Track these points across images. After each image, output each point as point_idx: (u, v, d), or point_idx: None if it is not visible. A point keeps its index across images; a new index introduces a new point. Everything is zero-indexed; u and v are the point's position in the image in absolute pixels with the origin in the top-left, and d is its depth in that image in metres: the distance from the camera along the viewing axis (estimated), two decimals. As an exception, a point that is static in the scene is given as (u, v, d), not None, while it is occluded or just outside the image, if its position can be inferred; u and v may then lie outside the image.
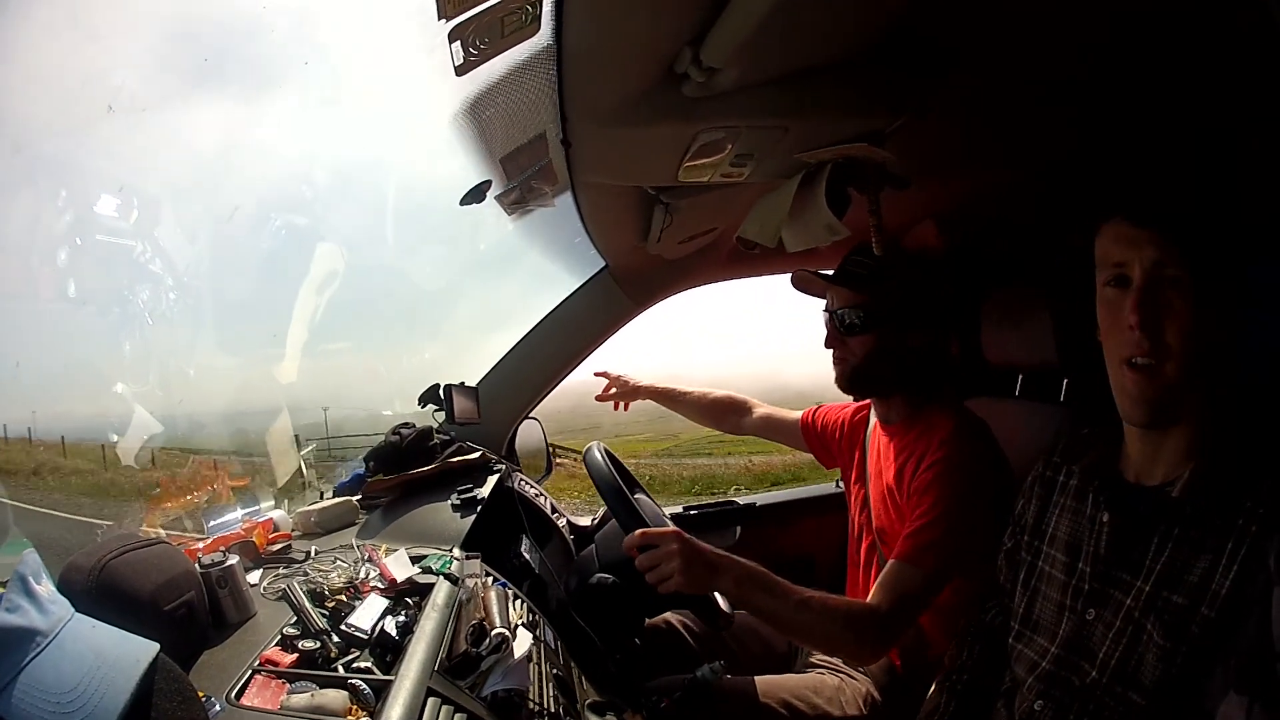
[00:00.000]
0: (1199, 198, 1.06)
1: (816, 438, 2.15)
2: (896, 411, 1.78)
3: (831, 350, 1.79)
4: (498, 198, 1.79)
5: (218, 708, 1.02)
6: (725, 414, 2.36)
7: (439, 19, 1.00)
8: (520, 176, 1.68)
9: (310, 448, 2.41)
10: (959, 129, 1.57)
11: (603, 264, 2.60)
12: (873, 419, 1.92)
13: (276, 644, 1.22)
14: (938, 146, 1.63)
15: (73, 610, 0.90)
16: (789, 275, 1.89)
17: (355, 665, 1.19)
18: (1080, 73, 1.35)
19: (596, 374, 2.29)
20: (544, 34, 1.11)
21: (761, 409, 2.33)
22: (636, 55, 1.19)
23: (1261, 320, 1.05)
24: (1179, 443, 1.07)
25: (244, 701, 1.05)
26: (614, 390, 2.45)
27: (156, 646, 0.91)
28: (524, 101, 1.36)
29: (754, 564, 1.51)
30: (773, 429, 2.29)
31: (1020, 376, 2.15)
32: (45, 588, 0.87)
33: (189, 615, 1.19)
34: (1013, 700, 1.25)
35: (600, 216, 2.06)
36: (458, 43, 1.07)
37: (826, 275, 1.81)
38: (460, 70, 1.15)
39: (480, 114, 1.44)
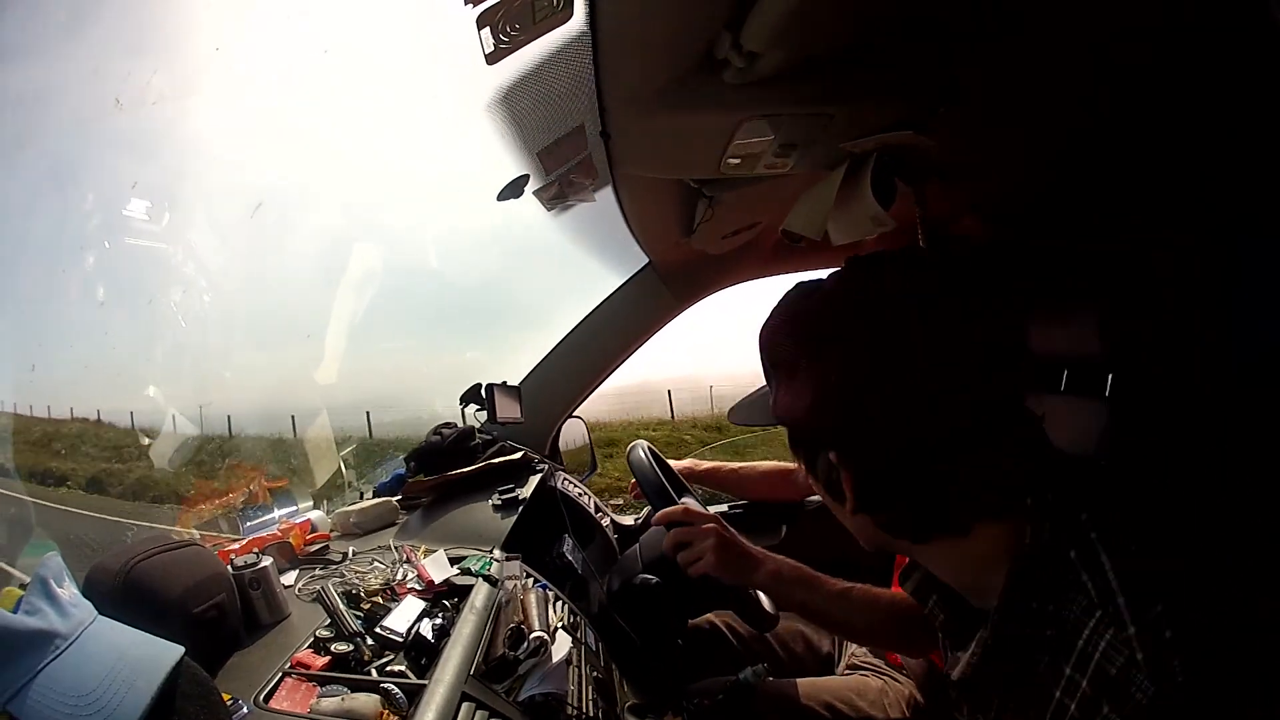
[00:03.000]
0: None
1: None
2: None
3: None
4: (536, 192, 1.79)
5: (245, 710, 1.04)
6: (780, 481, 2.32)
7: (465, 3, 1.00)
8: (559, 170, 1.68)
9: (350, 448, 2.44)
10: (1004, 115, 1.52)
11: (645, 260, 2.59)
12: None
13: (309, 646, 1.24)
14: (981, 134, 1.59)
15: (96, 613, 0.92)
16: (819, 270, 1.77)
17: (389, 669, 1.19)
18: (1133, 56, 1.28)
19: (676, 466, 2.20)
20: (578, 19, 1.10)
21: None
22: (674, 40, 1.18)
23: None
24: None
25: (273, 704, 1.07)
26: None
27: (181, 650, 0.93)
28: (560, 91, 1.35)
29: (793, 560, 1.49)
30: None
31: (1065, 372, 2.04)
32: (67, 590, 0.90)
33: (219, 618, 1.21)
34: None
35: (642, 211, 2.04)
36: (487, 29, 1.06)
37: None
38: (491, 58, 1.14)
39: (515, 105, 1.43)
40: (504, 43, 1.11)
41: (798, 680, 1.69)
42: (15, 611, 0.83)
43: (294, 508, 1.96)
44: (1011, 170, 1.81)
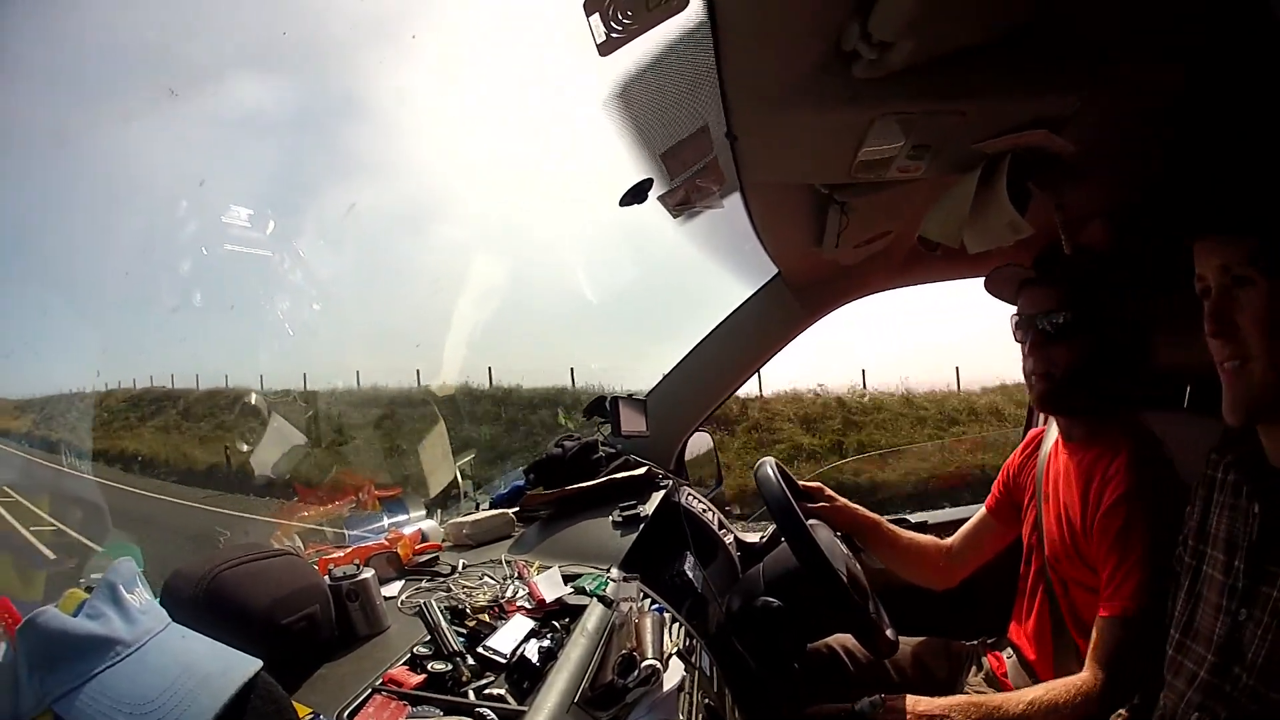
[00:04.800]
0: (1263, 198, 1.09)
1: (1010, 507, 1.99)
2: (1079, 428, 1.70)
3: (1029, 362, 1.71)
4: (661, 198, 1.75)
5: None
6: (926, 553, 2.13)
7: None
8: (683, 175, 1.65)
9: (468, 457, 2.44)
10: (1134, 114, 1.44)
11: (774, 271, 2.55)
12: (1050, 436, 1.85)
13: (404, 663, 1.19)
14: (1111, 135, 1.50)
15: (168, 621, 0.89)
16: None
17: (488, 692, 1.13)
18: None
19: (805, 487, 2.12)
20: (695, 9, 1.07)
21: (957, 536, 2.14)
22: (799, 31, 1.15)
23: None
24: None
25: None
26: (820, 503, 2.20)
27: (258, 664, 0.89)
28: (681, 88, 1.33)
29: (969, 698, 1.50)
30: (976, 537, 2.08)
31: (1188, 388, 2.07)
32: (138, 596, 0.88)
33: (309, 629, 1.19)
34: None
35: (771, 219, 2.01)
36: (596, 16, 1.05)
37: (1027, 277, 1.73)
38: (603, 49, 1.12)
39: (634, 103, 1.42)
40: (616, 32, 1.09)
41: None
42: (76, 614, 0.81)
43: (405, 516, 1.96)
44: (1143, 175, 1.75)
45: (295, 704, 1.01)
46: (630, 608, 1.45)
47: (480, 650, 1.23)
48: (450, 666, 1.17)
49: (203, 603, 1.05)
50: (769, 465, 1.80)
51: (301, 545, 1.67)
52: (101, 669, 0.77)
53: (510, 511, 2.06)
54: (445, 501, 2.29)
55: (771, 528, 2.41)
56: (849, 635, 1.88)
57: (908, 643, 1.85)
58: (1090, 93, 1.30)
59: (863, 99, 1.26)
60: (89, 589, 0.85)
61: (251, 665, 0.88)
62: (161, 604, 1.05)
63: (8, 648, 0.81)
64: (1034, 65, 1.26)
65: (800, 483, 2.06)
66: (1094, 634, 1.48)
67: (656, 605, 1.55)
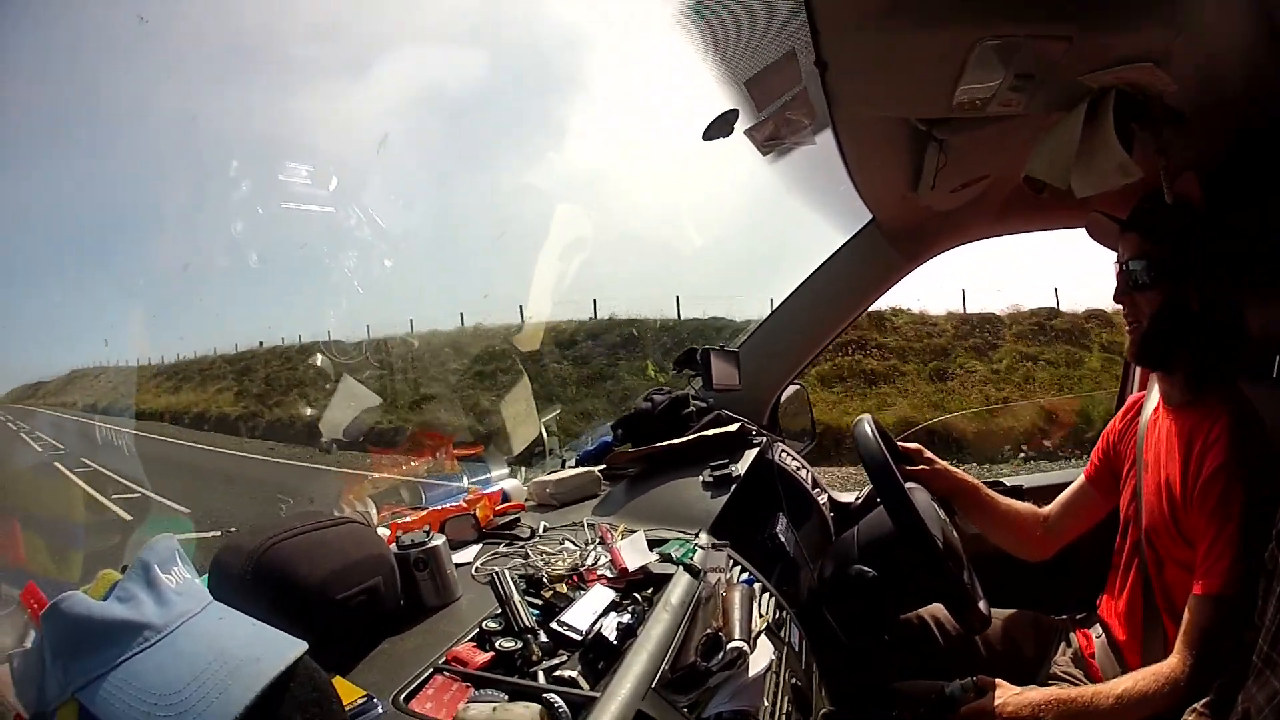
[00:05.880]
0: None
1: (1109, 476, 1.90)
2: (1179, 390, 1.64)
3: (1123, 314, 1.66)
4: (748, 132, 1.67)
5: (379, 710, 0.96)
6: (1022, 522, 2.05)
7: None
8: (771, 106, 1.57)
9: (553, 413, 2.40)
10: (1238, 49, 1.36)
11: (869, 216, 2.45)
12: (1152, 400, 1.80)
13: (471, 639, 1.14)
14: (1212, 75, 1.42)
15: (208, 601, 0.85)
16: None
17: (559, 674, 1.07)
18: None
19: (904, 448, 2.06)
20: None
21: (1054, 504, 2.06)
22: None
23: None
24: None
25: (413, 705, 0.98)
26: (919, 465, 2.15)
27: (303, 647, 0.84)
28: (764, 6, 1.27)
29: (1058, 695, 1.46)
30: (1073, 507, 1.99)
31: (1278, 357, 2.02)
32: (175, 577, 0.84)
33: (369, 603, 1.15)
34: None
35: (866, 159, 1.92)
36: None
37: (1121, 221, 1.67)
38: None
39: (712, 18, 1.35)
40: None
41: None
42: (107, 597, 0.78)
43: (486, 476, 1.93)
44: (1233, 128, 1.68)
45: (348, 685, 0.98)
46: (718, 579, 1.39)
47: (554, 626, 1.17)
48: (520, 644, 1.11)
49: (251, 578, 1.02)
50: (866, 422, 1.75)
51: (374, 510, 1.65)
52: (127, 656, 0.73)
53: (596, 470, 2.02)
54: (530, 459, 2.27)
55: (867, 488, 2.35)
56: (940, 605, 1.87)
57: (998, 615, 1.83)
58: (1189, 28, 1.22)
59: (962, 18, 1.20)
60: (124, 569, 0.82)
61: (294, 648, 0.83)
62: (211, 580, 1.02)
63: (36, 634, 0.79)
64: None
65: (899, 442, 2.02)
66: (1185, 614, 1.43)
67: (746, 576, 1.49)
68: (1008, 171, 1.96)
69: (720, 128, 1.62)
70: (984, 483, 2.11)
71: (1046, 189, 1.64)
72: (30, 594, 0.86)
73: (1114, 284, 1.65)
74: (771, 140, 1.69)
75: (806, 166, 2.00)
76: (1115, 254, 1.67)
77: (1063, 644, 1.86)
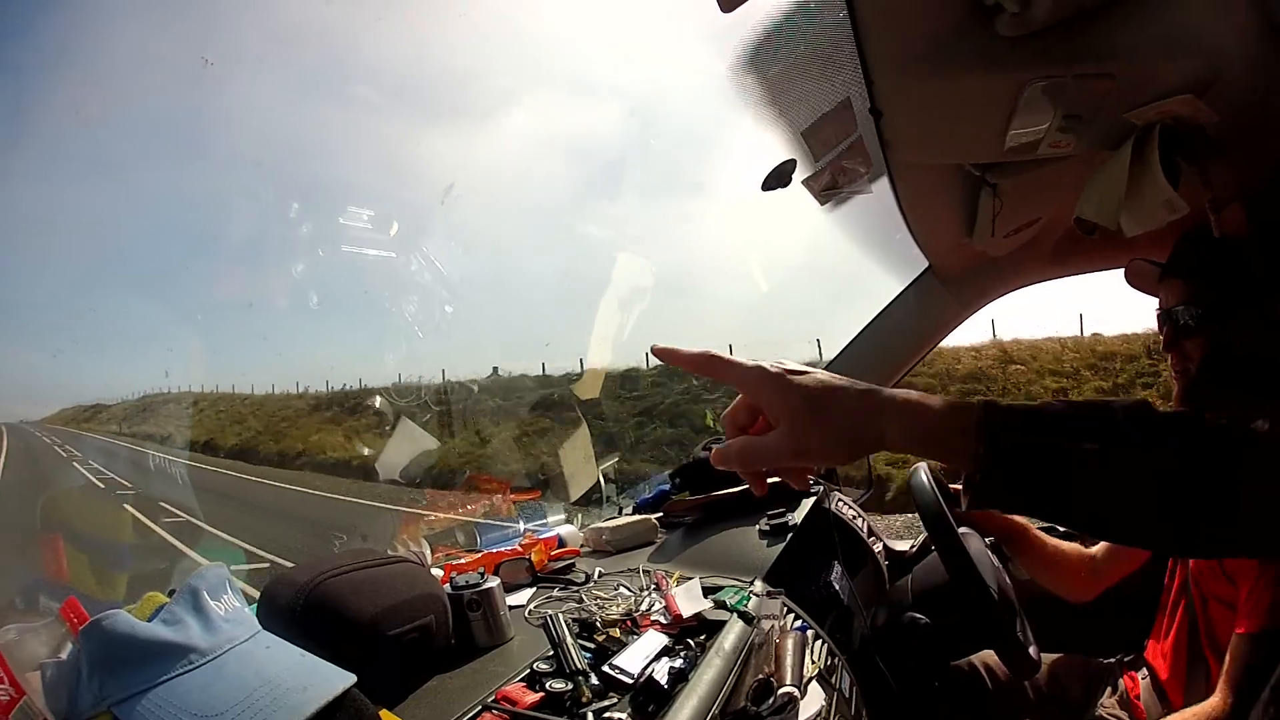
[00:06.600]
0: None
1: None
2: None
3: (1170, 360, 1.63)
4: (805, 181, 1.69)
5: None
6: (1069, 562, 2.00)
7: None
8: (828, 154, 1.59)
9: (611, 461, 2.40)
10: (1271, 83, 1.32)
11: (925, 264, 2.47)
12: None
13: (522, 679, 1.12)
14: (1251, 103, 1.37)
15: (256, 630, 0.87)
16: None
17: (609, 715, 1.05)
18: None
19: (955, 489, 2.01)
20: None
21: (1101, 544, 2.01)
22: None
23: None
24: None
25: None
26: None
27: (350, 679, 0.85)
28: (818, 54, 1.28)
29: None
30: (1119, 547, 1.93)
31: None
32: (224, 604, 0.86)
33: (420, 640, 1.15)
34: None
35: (921, 206, 1.93)
36: None
37: (1162, 265, 1.66)
38: (725, 4, 1.07)
39: (767, 70, 1.37)
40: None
41: None
42: (152, 619, 0.80)
43: (543, 521, 1.94)
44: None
45: (395, 719, 0.97)
46: (772, 625, 1.36)
47: (606, 669, 1.15)
48: (570, 686, 1.09)
49: (301, 611, 1.03)
50: (922, 471, 1.74)
51: (429, 551, 1.67)
52: (170, 676, 0.75)
53: (654, 517, 2.02)
54: (587, 505, 2.27)
55: (922, 536, 2.38)
56: (990, 652, 1.85)
57: (1045, 659, 1.82)
58: (1226, 56, 1.21)
59: (1009, 60, 1.19)
60: (171, 593, 0.83)
61: (342, 680, 0.84)
62: (259, 610, 1.04)
63: (73, 647, 0.81)
64: (1181, 18, 1.16)
65: (952, 487, 1.96)
66: (1228, 653, 1.40)
67: (800, 623, 1.47)
68: (1059, 213, 1.96)
69: (778, 178, 1.63)
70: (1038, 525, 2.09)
71: (1097, 230, 1.62)
72: (71, 608, 0.88)
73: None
74: (829, 189, 1.70)
75: (860, 214, 2.01)
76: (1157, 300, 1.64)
77: (1110, 687, 1.84)
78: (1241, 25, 1.16)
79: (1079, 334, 15.25)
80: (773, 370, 0.77)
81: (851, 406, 0.77)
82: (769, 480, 0.85)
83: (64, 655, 0.82)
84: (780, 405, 0.76)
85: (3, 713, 0.75)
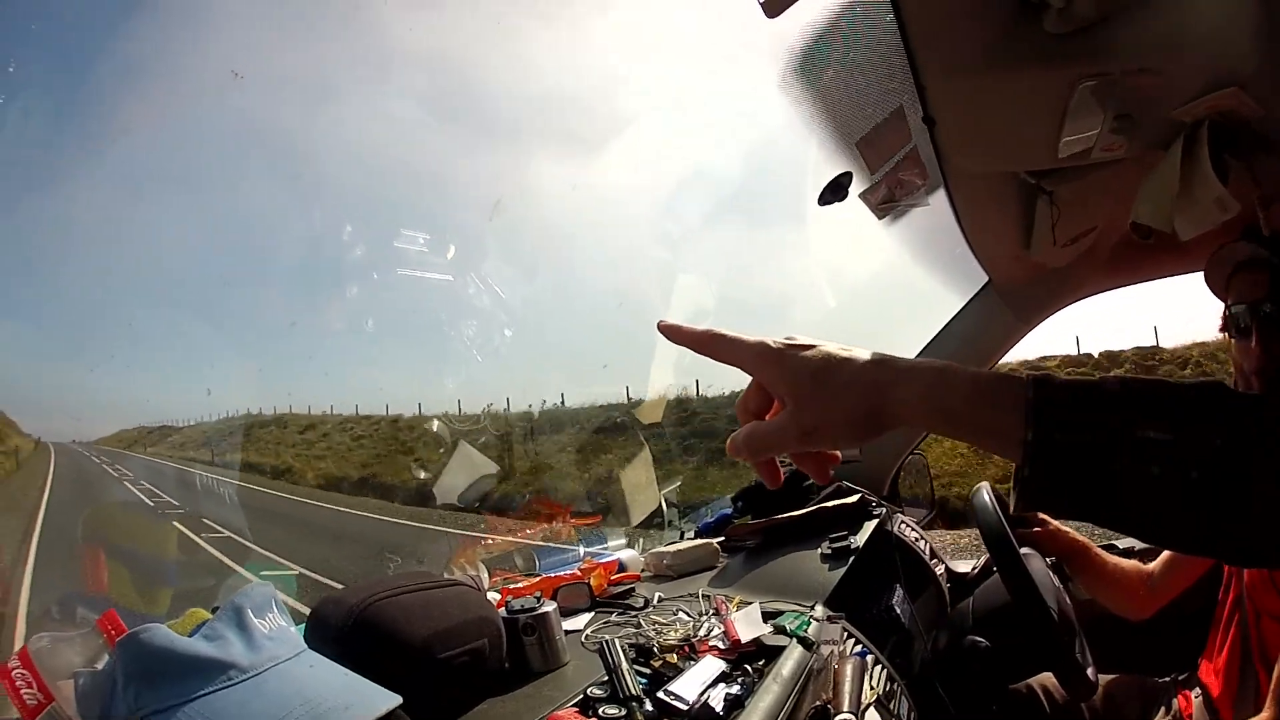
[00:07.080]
0: None
1: None
2: None
3: (1246, 360, 1.60)
4: (862, 195, 1.68)
5: None
6: (1128, 581, 2.00)
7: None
8: (884, 166, 1.58)
9: (673, 485, 2.39)
10: None
11: (984, 279, 2.44)
12: None
13: (575, 704, 1.11)
14: None
15: (300, 649, 0.88)
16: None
17: (661, 742, 1.03)
18: None
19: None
20: None
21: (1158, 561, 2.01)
22: None
23: None
24: None
25: None
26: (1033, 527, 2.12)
27: (396, 700, 0.85)
28: (868, 61, 1.28)
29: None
30: (1175, 562, 1.93)
31: None
32: (269, 623, 0.87)
33: (471, 664, 1.14)
34: None
35: (979, 216, 1.92)
36: None
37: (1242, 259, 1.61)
38: (769, 9, 1.06)
39: (818, 78, 1.37)
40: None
41: None
42: (193, 634, 0.81)
43: (603, 545, 1.94)
44: None
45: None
46: (831, 651, 1.34)
47: (661, 695, 1.13)
48: (624, 712, 1.08)
49: (350, 632, 1.03)
50: (985, 491, 1.75)
51: (486, 574, 1.67)
52: (208, 691, 0.76)
53: (715, 541, 1.99)
54: (648, 529, 2.26)
55: (984, 557, 2.32)
56: (1049, 674, 1.79)
57: (1102, 680, 1.78)
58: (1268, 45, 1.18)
59: (1058, 57, 1.19)
60: (215, 610, 0.85)
61: (387, 701, 0.84)
62: (307, 630, 1.04)
63: (109, 658, 0.82)
64: (1223, 8, 1.15)
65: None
66: (1276, 668, 1.41)
67: (860, 648, 1.45)
68: (1113, 220, 1.93)
69: (834, 192, 1.61)
70: (1099, 545, 2.08)
71: (1153, 234, 1.59)
72: (109, 620, 0.89)
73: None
74: (887, 202, 1.68)
75: (918, 227, 2.00)
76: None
77: (1164, 707, 1.83)
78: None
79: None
80: (774, 345, 0.69)
81: (857, 377, 0.66)
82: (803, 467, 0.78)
83: (99, 666, 0.84)
84: (782, 382, 0.68)
85: (29, 716, 0.77)
